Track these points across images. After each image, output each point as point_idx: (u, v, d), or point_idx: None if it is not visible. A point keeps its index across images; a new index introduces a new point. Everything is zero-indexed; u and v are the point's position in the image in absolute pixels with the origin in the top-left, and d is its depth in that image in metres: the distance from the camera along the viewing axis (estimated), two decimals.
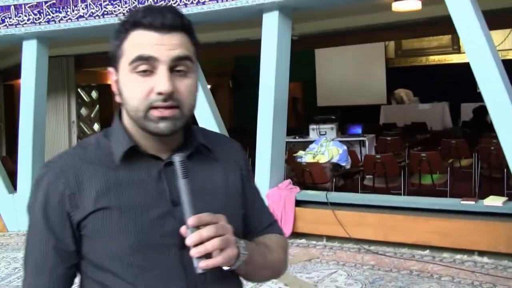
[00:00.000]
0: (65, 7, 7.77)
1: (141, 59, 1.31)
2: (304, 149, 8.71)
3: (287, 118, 7.76)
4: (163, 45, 1.31)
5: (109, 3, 7.58)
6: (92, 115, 17.05)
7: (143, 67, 1.31)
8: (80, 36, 8.74)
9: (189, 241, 1.23)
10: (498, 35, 13.20)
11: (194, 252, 1.23)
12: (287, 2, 6.84)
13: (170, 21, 1.33)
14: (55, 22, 7.85)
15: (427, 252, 6.32)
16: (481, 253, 6.08)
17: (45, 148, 9.06)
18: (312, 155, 8.16)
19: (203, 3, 7.03)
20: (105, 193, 1.35)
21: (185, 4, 7.10)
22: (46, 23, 7.96)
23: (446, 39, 15.74)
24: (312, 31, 9.87)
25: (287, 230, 7.19)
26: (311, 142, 9.07)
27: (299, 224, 7.25)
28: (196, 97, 1.39)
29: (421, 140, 11.49)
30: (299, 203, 7.29)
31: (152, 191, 1.37)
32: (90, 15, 7.67)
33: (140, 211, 1.34)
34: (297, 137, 11.24)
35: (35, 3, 7.98)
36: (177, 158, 1.28)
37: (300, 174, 7.97)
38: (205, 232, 1.23)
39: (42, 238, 1.37)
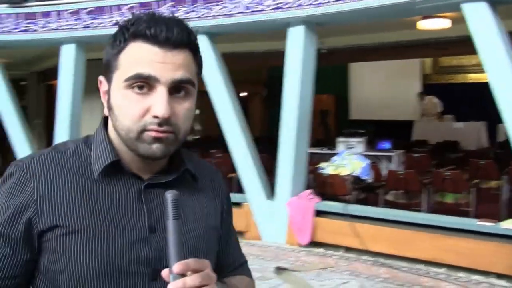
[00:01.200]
0: (102, 15, 8.09)
1: (140, 77, 1.18)
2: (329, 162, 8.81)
3: (315, 130, 7.88)
4: (165, 64, 1.18)
5: (141, 12, 7.83)
6: None
7: (139, 84, 1.19)
8: None
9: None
10: None
11: None
12: (311, 17, 7.00)
13: (176, 36, 1.19)
14: (92, 28, 8.16)
15: (443, 270, 6.36)
16: (499, 276, 6.06)
17: None
18: (334, 167, 8.27)
19: (231, 15, 7.26)
20: (78, 207, 1.22)
21: (214, 16, 7.34)
22: (84, 28, 8.28)
23: None
24: (342, 45, 9.99)
25: (306, 238, 7.34)
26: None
27: (318, 233, 7.39)
28: (192, 120, 1.27)
29: (452, 159, 11.38)
30: (319, 213, 7.44)
31: (130, 213, 1.25)
32: None
33: (115, 233, 1.21)
34: (324, 149, 11.31)
35: (75, 10, 8.32)
36: (169, 196, 1.11)
37: (321, 185, 8.09)
38: (190, 281, 1.10)
39: None
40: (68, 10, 8.39)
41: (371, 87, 16.66)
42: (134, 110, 1.19)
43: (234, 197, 8.35)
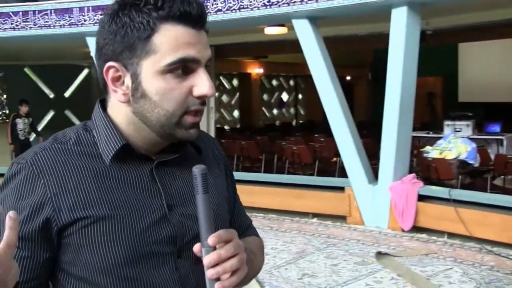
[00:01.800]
0: (205, 2, 8.29)
1: (185, 61, 1.16)
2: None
3: (421, 113, 7.72)
4: (201, 44, 1.18)
5: None
6: (232, 102, 17.82)
7: (182, 67, 1.17)
8: (218, 28, 9.22)
9: (207, 261, 1.10)
10: None
11: (211, 274, 1.10)
12: None
13: (203, 15, 1.19)
14: None
15: None
16: None
17: None
18: (439, 151, 8.08)
19: None
20: (94, 195, 1.18)
21: (316, 0, 7.33)
22: None
23: None
24: (449, 25, 9.66)
25: (408, 223, 7.24)
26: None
27: (421, 218, 7.26)
28: None
29: None
30: (422, 197, 7.30)
31: (146, 194, 1.23)
32: (227, 9, 8.13)
33: (135, 217, 1.20)
34: (431, 133, 11.08)
35: None
36: (197, 171, 1.12)
37: (425, 169, 7.94)
38: (225, 252, 1.11)
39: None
40: None
41: (481, 68, 16.03)
42: (178, 93, 1.17)
43: (337, 181, 8.44)
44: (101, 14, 8.41)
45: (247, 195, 8.61)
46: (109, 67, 1.20)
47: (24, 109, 12.03)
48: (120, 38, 1.17)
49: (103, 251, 1.17)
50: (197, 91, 1.18)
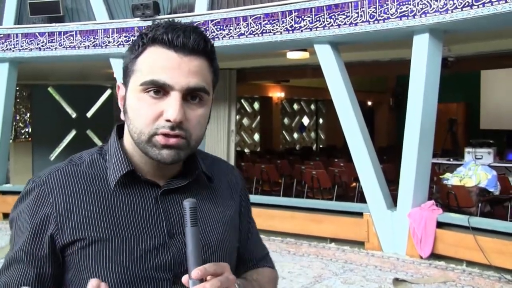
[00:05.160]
0: (228, 25, 8.40)
1: (155, 84, 1.21)
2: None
3: (442, 140, 7.69)
4: (180, 70, 1.21)
5: (268, 22, 8.08)
6: (253, 126, 17.88)
7: (155, 89, 1.21)
8: (241, 52, 9.32)
9: None
10: None
11: None
12: (438, 24, 6.84)
13: (193, 42, 1.21)
14: (219, 39, 8.48)
15: None
16: None
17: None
18: (459, 178, 8.03)
19: (356, 24, 7.29)
20: (96, 218, 1.24)
21: (338, 25, 7.40)
22: (211, 40, 8.61)
23: None
24: (471, 52, 9.65)
25: (427, 250, 7.18)
26: None
27: (439, 246, 7.20)
28: (205, 127, 1.30)
29: None
30: (441, 225, 7.25)
31: (148, 220, 1.27)
32: (250, 33, 8.22)
33: (134, 241, 1.24)
34: (451, 159, 11.02)
35: (202, 21, 8.71)
36: (187, 204, 1.14)
37: (445, 196, 7.89)
38: (209, 286, 1.11)
39: (20, 262, 1.25)
40: (196, 22, 8.76)
41: (503, 95, 15.96)
42: (147, 113, 1.21)
43: (356, 206, 8.42)
44: (125, 36, 8.59)
45: (266, 219, 8.67)
46: (118, 87, 1.31)
47: None
48: (124, 59, 1.29)
49: (99, 273, 1.21)
50: (164, 115, 1.20)
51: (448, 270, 6.85)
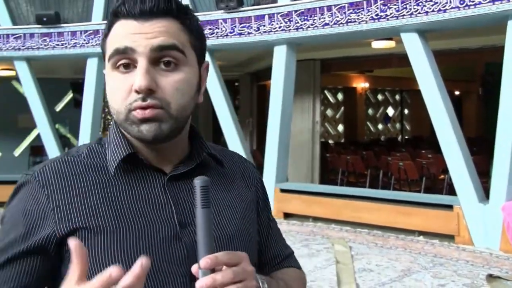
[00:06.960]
0: (313, 16, 8.31)
1: (118, 52, 1.11)
2: None
3: None
4: (142, 34, 1.11)
5: (353, 12, 7.94)
6: (337, 116, 17.72)
7: (122, 62, 1.11)
8: (325, 42, 9.22)
9: (198, 286, 0.95)
10: None
11: None
12: None
13: (151, 5, 1.12)
14: (303, 29, 8.43)
15: None
16: None
17: (290, 144, 9.77)
18: None
19: (444, 11, 7.03)
20: (99, 207, 1.12)
21: (426, 12, 7.17)
22: (295, 30, 8.59)
23: None
24: None
25: None
26: None
27: None
28: (189, 95, 1.16)
29: None
30: None
31: (156, 209, 1.15)
32: (334, 23, 8.11)
33: (143, 230, 1.12)
34: None
35: (286, 12, 8.67)
36: (198, 182, 0.98)
37: None
38: (221, 278, 0.96)
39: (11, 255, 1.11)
40: (280, 12, 8.76)
41: None
42: (119, 89, 1.12)
43: (445, 199, 8.17)
44: (209, 29, 8.59)
45: (352, 210, 8.56)
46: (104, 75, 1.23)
47: None
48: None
49: (103, 264, 1.08)
50: (133, 87, 1.10)
51: None
